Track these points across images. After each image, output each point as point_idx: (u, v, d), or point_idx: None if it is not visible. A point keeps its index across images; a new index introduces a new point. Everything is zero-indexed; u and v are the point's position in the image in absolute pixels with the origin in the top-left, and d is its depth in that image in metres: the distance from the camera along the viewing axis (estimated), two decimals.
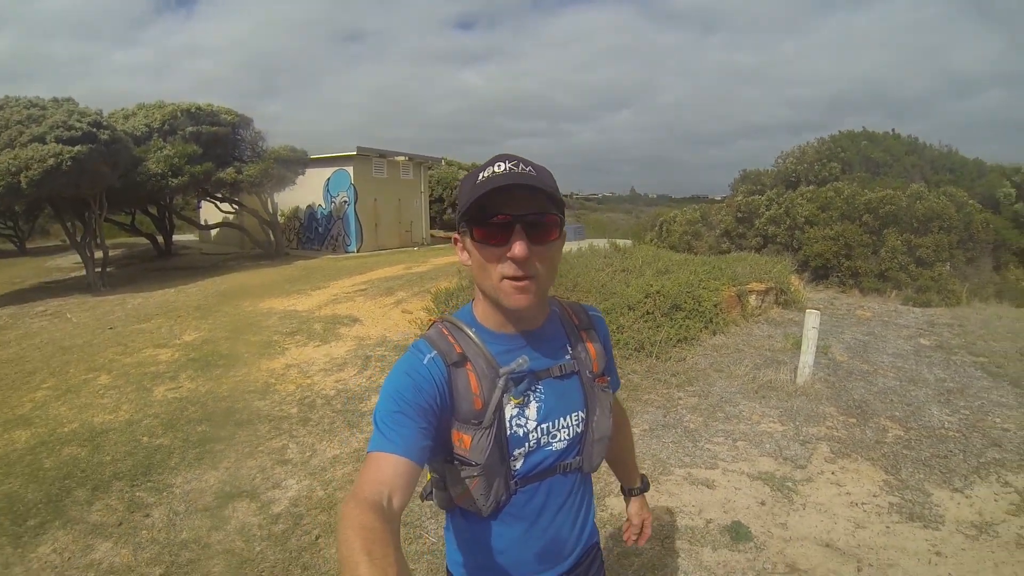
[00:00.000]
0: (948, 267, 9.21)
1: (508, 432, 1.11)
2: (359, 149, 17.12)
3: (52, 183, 10.01)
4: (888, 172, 12.25)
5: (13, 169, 9.72)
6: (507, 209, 1.01)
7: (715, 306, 6.27)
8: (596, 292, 6.44)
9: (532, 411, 1.14)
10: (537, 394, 1.15)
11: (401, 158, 19.02)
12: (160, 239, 17.45)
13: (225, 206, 16.47)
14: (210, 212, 18.57)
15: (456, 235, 1.14)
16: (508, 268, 1.03)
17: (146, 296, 10.77)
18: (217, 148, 14.03)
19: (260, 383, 5.43)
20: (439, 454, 1.13)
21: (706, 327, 6.05)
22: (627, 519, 1.55)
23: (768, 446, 3.93)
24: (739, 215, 11.25)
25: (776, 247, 10.31)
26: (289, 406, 4.87)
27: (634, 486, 1.55)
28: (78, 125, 10.38)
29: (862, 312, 7.65)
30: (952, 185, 10.98)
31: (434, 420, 1.04)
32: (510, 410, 1.12)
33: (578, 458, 1.21)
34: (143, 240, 17.89)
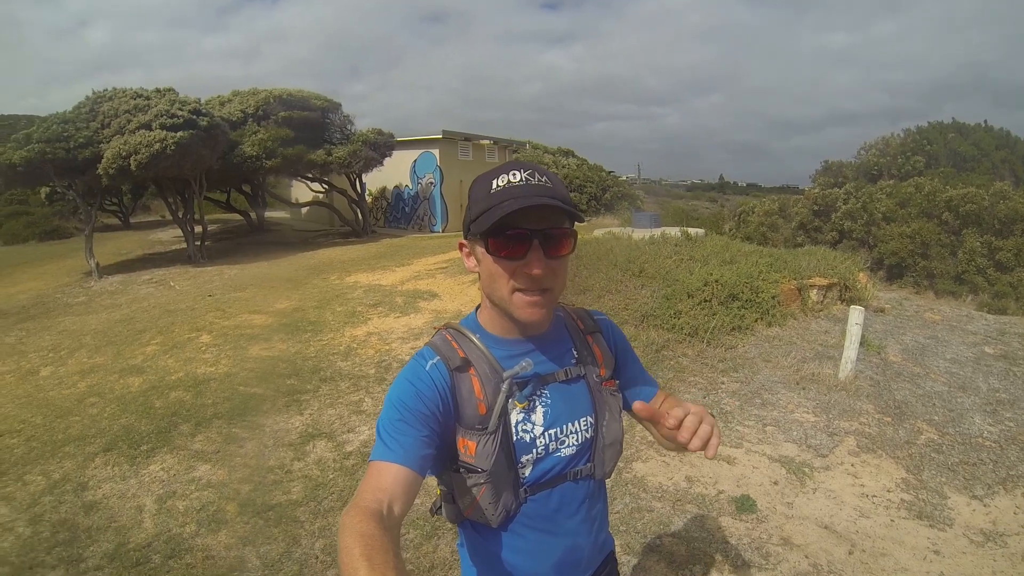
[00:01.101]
0: None
1: (514, 438, 1.13)
2: (445, 132, 18.01)
3: (158, 165, 11.45)
4: (976, 168, 11.76)
5: (124, 153, 11.17)
6: (524, 223, 1.03)
7: (773, 298, 6.43)
8: (661, 278, 6.79)
9: (538, 416, 1.16)
10: (543, 399, 1.17)
11: (486, 141, 19.81)
12: (253, 215, 18.90)
13: (315, 185, 17.71)
14: (301, 191, 19.94)
15: (463, 241, 1.18)
16: (522, 281, 1.06)
17: (241, 268, 12.01)
18: (307, 131, 15.27)
19: (343, 347, 6.17)
20: (446, 464, 1.14)
21: (762, 318, 6.24)
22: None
23: (795, 433, 4.21)
24: (816, 208, 11.10)
25: (852, 243, 10.12)
26: (368, 367, 5.58)
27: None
28: (180, 113, 11.77)
29: (931, 315, 7.58)
30: None
31: (437, 427, 1.07)
32: (515, 415, 1.14)
33: (589, 464, 1.21)
34: (237, 216, 19.46)
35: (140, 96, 12.21)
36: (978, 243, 8.90)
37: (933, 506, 3.41)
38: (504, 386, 1.11)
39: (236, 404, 4.88)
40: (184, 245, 13.85)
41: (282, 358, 5.97)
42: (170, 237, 16.77)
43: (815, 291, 6.90)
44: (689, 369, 5.24)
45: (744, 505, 3.39)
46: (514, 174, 1.06)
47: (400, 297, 7.93)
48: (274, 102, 15.07)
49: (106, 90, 12.47)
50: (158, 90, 12.63)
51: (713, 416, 1.04)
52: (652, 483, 3.62)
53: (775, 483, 3.62)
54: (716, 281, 6.35)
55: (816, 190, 11.90)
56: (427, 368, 1.11)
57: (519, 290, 1.07)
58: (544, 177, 1.07)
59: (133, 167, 11.21)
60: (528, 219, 1.03)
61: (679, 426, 1.00)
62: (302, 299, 8.40)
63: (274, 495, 3.56)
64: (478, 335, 1.16)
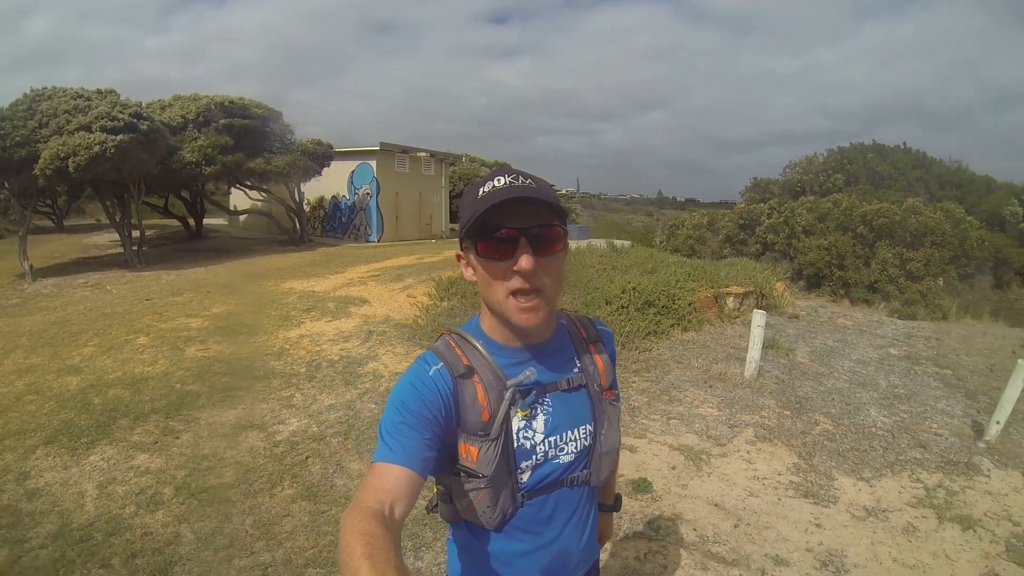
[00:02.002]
0: (940, 282, 9.56)
1: (515, 444, 1.17)
2: (382, 144, 18.54)
3: (96, 168, 11.50)
4: (892, 186, 12.75)
5: (62, 154, 11.20)
6: (511, 223, 1.07)
7: (689, 305, 7.03)
8: (582, 287, 7.33)
9: (540, 424, 1.20)
10: (545, 407, 1.21)
11: (423, 154, 20.34)
12: (192, 222, 18.86)
13: (254, 193, 17.87)
14: (240, 199, 20.04)
15: (459, 252, 1.21)
16: (515, 282, 1.09)
17: (178, 273, 12.15)
18: (248, 139, 15.51)
19: (276, 348, 6.53)
20: (446, 466, 1.18)
21: (678, 323, 6.81)
22: None
23: (697, 425, 4.70)
24: (741, 222, 11.89)
25: (775, 255, 10.90)
26: (299, 366, 5.95)
27: (608, 503, 1.63)
28: (120, 116, 11.88)
29: (843, 321, 8.27)
30: (957, 201, 11.26)
31: (439, 431, 1.10)
32: (517, 422, 1.17)
33: (585, 471, 1.26)
34: (175, 222, 19.37)
35: (80, 96, 12.23)
36: (890, 254, 9.65)
37: (819, 486, 3.85)
38: (508, 394, 1.15)
39: (173, 400, 5.16)
40: (121, 250, 13.79)
41: (217, 358, 6.26)
42: (106, 241, 16.62)
43: (732, 299, 7.50)
44: None
45: (640, 486, 3.82)
46: (499, 180, 1.10)
47: (332, 302, 8.31)
48: (215, 109, 15.21)
49: (45, 88, 12.42)
50: (99, 91, 12.67)
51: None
52: None
53: (673, 468, 4.08)
54: (634, 289, 6.90)
55: (742, 205, 12.68)
56: (431, 373, 1.14)
57: (513, 294, 1.10)
58: (528, 179, 1.11)
59: (71, 169, 11.23)
60: (515, 219, 1.07)
61: None
62: (238, 304, 8.71)
63: (208, 479, 3.90)
64: (481, 342, 1.20)
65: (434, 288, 7.78)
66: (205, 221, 19.76)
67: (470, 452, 1.14)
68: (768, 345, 6.46)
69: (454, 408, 1.13)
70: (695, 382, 5.56)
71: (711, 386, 5.48)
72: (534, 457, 1.19)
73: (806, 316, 8.18)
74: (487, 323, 1.22)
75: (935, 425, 4.84)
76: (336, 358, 6.13)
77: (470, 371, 1.16)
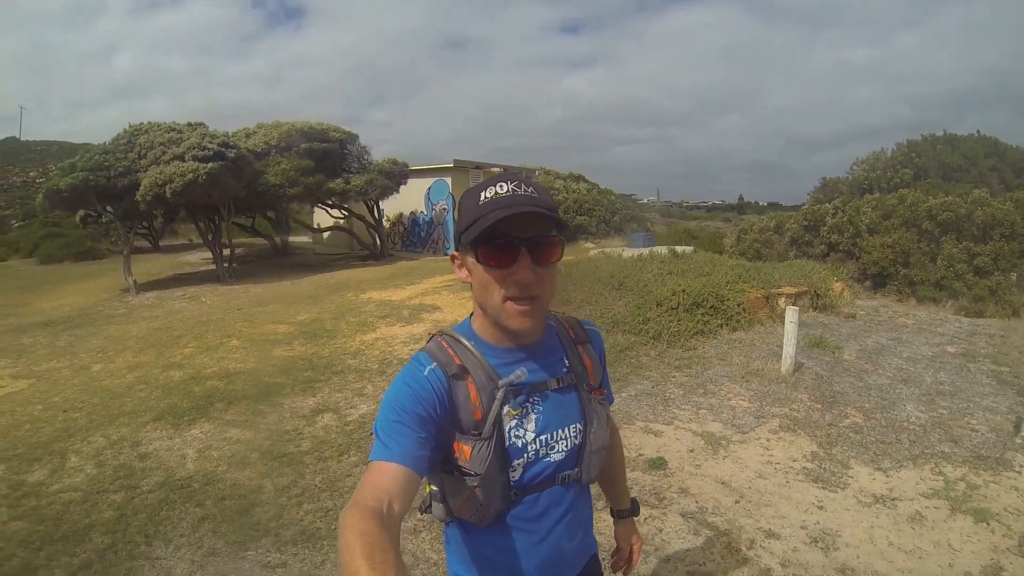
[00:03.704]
0: (1013, 277, 9.31)
1: (507, 443, 1.24)
2: (456, 161, 19.80)
3: (190, 193, 13.29)
4: (964, 177, 12.37)
5: (159, 182, 13.07)
6: (512, 231, 1.14)
7: (738, 305, 7.44)
8: (638, 290, 7.90)
9: (531, 423, 1.26)
10: (536, 406, 1.28)
11: (496, 169, 21.32)
12: (278, 240, 20.45)
13: (335, 212, 19.26)
14: (322, 217, 21.62)
15: (454, 253, 1.29)
16: (512, 289, 1.16)
17: (266, 287, 13.61)
18: (327, 161, 17.19)
19: (353, 349, 7.48)
20: (439, 465, 1.24)
21: (726, 324, 7.24)
22: (616, 544, 1.74)
23: (725, 415, 5.12)
24: (806, 223, 11.93)
25: (839, 255, 10.91)
26: (372, 364, 6.86)
27: (623, 507, 1.71)
28: (210, 146, 13.71)
29: (903, 320, 8.24)
30: None
31: (433, 430, 1.16)
32: (509, 421, 1.24)
33: (577, 469, 1.34)
34: (262, 240, 21.10)
35: (173, 130, 14.24)
36: (956, 249, 9.42)
37: (832, 473, 4.09)
38: (499, 394, 1.21)
39: (261, 390, 6.19)
40: (213, 266, 15.50)
41: (300, 357, 7.28)
42: (198, 259, 18.40)
43: (783, 299, 7.77)
44: (647, 366, 6.28)
45: (656, 464, 4.32)
46: (501, 186, 1.17)
47: (407, 310, 9.24)
48: (296, 134, 17.03)
49: (142, 123, 14.59)
50: (190, 124, 14.71)
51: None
52: None
53: (691, 451, 4.54)
54: (683, 291, 7.39)
55: (807, 206, 12.72)
56: (425, 373, 1.20)
57: (510, 299, 1.17)
58: (531, 188, 1.18)
59: (168, 194, 13.06)
60: (516, 228, 1.14)
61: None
62: (320, 312, 9.77)
63: (288, 448, 4.85)
64: (473, 342, 1.27)
65: None
66: (290, 239, 21.38)
67: (463, 451, 1.21)
68: (814, 343, 6.76)
69: (448, 407, 1.19)
70: (732, 377, 5.97)
71: (747, 381, 5.87)
72: (525, 455, 1.26)
73: (865, 316, 8.28)
74: (479, 324, 1.30)
75: (974, 421, 4.92)
76: (405, 357, 6.99)
77: (463, 371, 1.22)
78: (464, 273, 1.27)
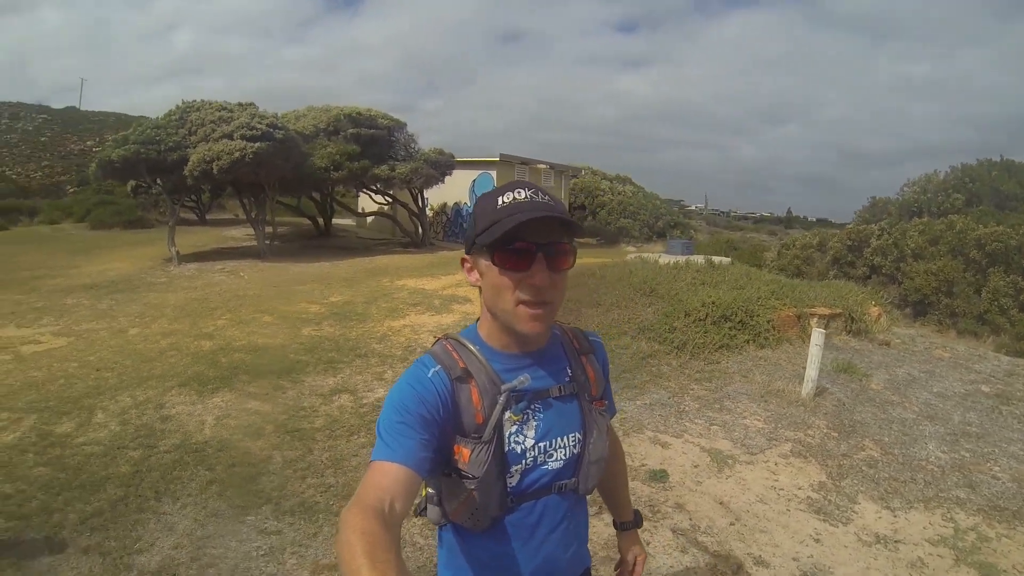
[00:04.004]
0: None
1: (506, 448, 1.25)
2: (502, 156, 19.97)
3: (236, 171, 13.79)
4: (1019, 207, 11.93)
5: (207, 158, 13.56)
6: (529, 237, 1.17)
7: (768, 322, 7.37)
8: (669, 299, 7.91)
9: (531, 429, 1.28)
10: (536, 413, 1.29)
11: (542, 166, 21.47)
12: (321, 221, 20.88)
13: (379, 198, 19.59)
14: (367, 202, 22.04)
15: (465, 256, 1.30)
16: (526, 293, 1.18)
17: (305, 266, 13.95)
18: (374, 147, 17.54)
19: (380, 334, 7.68)
20: (438, 468, 1.24)
21: (754, 340, 7.18)
22: (620, 557, 1.73)
23: (737, 433, 5.11)
24: (850, 243, 11.68)
25: (882, 278, 10.67)
26: (396, 350, 7.05)
27: (627, 520, 1.72)
28: (258, 126, 14.12)
29: (940, 352, 7.99)
30: None
31: (436, 431, 1.17)
32: (509, 427, 1.26)
33: (574, 479, 1.35)
34: (306, 221, 21.54)
35: (224, 109, 14.79)
36: (1003, 282, 9.04)
37: (836, 506, 4.01)
38: (501, 399, 1.23)
39: (285, 366, 6.42)
40: (255, 242, 15.81)
41: (328, 337, 7.52)
42: (242, 234, 18.91)
43: (815, 320, 7.63)
44: (667, 376, 6.30)
45: (656, 476, 4.35)
46: (519, 192, 1.21)
47: (438, 299, 9.41)
48: (344, 119, 17.46)
49: (194, 101, 15.17)
50: (240, 104, 15.22)
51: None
52: None
53: (695, 466, 4.56)
54: (712, 302, 7.37)
55: (852, 225, 12.45)
56: (429, 375, 1.22)
57: (523, 303, 1.19)
58: (547, 196, 1.22)
59: (215, 171, 13.57)
60: (533, 234, 1.16)
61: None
62: (354, 295, 10.03)
63: (302, 423, 5.06)
64: (478, 347, 1.28)
65: None
66: (334, 221, 21.83)
67: (463, 454, 1.22)
68: (842, 368, 6.67)
69: (451, 409, 1.21)
70: (751, 395, 5.96)
71: (766, 401, 5.84)
72: (524, 462, 1.27)
73: (900, 344, 8.09)
74: (485, 329, 1.31)
75: (997, 468, 4.76)
76: (428, 345, 7.08)
77: (466, 374, 1.24)
78: (474, 276, 1.28)
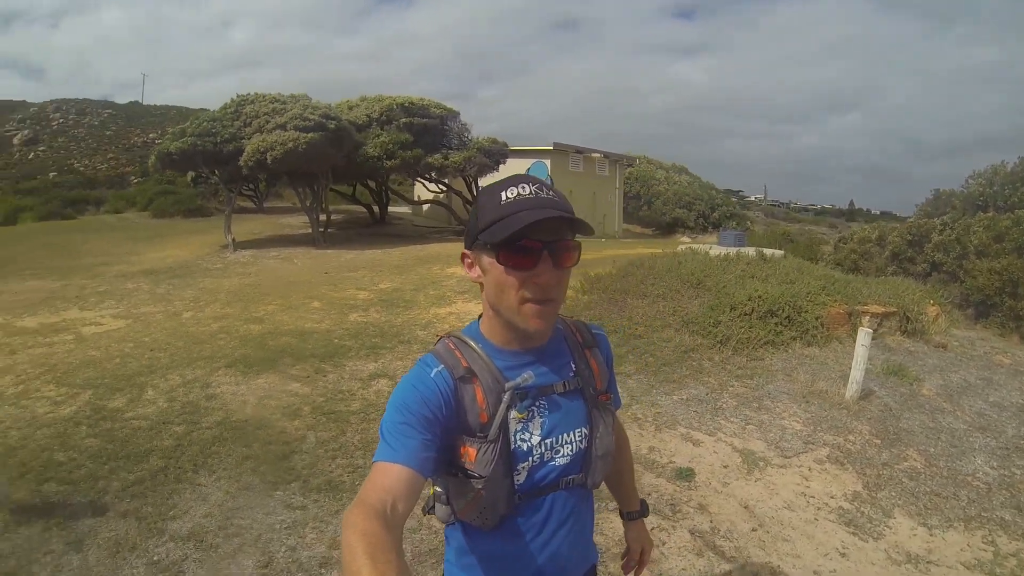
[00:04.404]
0: None
1: (512, 446, 1.26)
2: (555, 145, 20.08)
3: (289, 161, 14.34)
4: None
5: (261, 149, 14.20)
6: (534, 235, 1.16)
7: (817, 319, 7.17)
8: (716, 291, 7.81)
9: (536, 426, 1.29)
10: (541, 410, 1.30)
11: (597, 155, 21.51)
12: (376, 209, 21.35)
13: (434, 186, 19.88)
14: (422, 190, 22.41)
15: (465, 251, 1.30)
16: (531, 291, 1.19)
17: (357, 253, 14.36)
18: (426, 136, 17.99)
19: (424, 321, 7.88)
20: (443, 467, 1.26)
21: (801, 337, 6.99)
22: (627, 547, 1.76)
23: (772, 435, 5.01)
24: (910, 238, 11.26)
25: (942, 276, 10.29)
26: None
27: (633, 510, 1.74)
28: (311, 117, 14.69)
29: (1001, 357, 7.56)
30: None
31: (439, 431, 1.18)
32: (515, 424, 1.26)
33: (581, 474, 1.36)
34: (362, 209, 22.00)
35: (278, 101, 15.44)
36: None
37: (869, 519, 3.87)
38: (506, 397, 1.23)
39: (329, 350, 6.68)
40: (310, 230, 16.29)
41: (373, 324, 7.78)
42: (298, 222, 19.54)
43: (868, 318, 7.32)
44: (707, 371, 6.20)
45: (683, 474, 4.31)
46: (523, 187, 1.21)
47: None
48: (397, 108, 17.93)
49: (249, 94, 15.88)
50: (293, 95, 15.83)
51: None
52: None
53: (725, 466, 4.49)
54: (760, 296, 7.23)
55: (912, 219, 11.99)
56: (432, 375, 1.23)
57: (528, 301, 1.20)
58: (551, 192, 1.23)
59: (269, 161, 14.19)
60: (539, 231, 1.16)
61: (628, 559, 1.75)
62: (403, 282, 10.29)
63: (338, 406, 5.28)
64: (480, 345, 1.29)
65: (580, 281, 8.49)
66: (390, 209, 22.31)
67: (468, 453, 1.22)
68: (892, 371, 6.44)
69: (455, 409, 1.22)
70: (792, 395, 5.81)
71: (807, 401, 5.69)
72: (530, 459, 1.28)
73: (958, 347, 7.70)
74: (487, 326, 1.32)
75: None
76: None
77: (470, 373, 1.25)
78: (476, 273, 1.27)
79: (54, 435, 4.60)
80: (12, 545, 3.31)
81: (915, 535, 3.75)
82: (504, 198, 1.20)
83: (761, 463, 4.54)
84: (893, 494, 4.22)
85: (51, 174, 29.74)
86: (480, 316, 1.35)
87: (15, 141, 33.58)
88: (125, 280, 11.06)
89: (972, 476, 4.57)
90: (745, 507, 3.93)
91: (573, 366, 1.37)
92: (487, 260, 1.22)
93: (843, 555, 3.47)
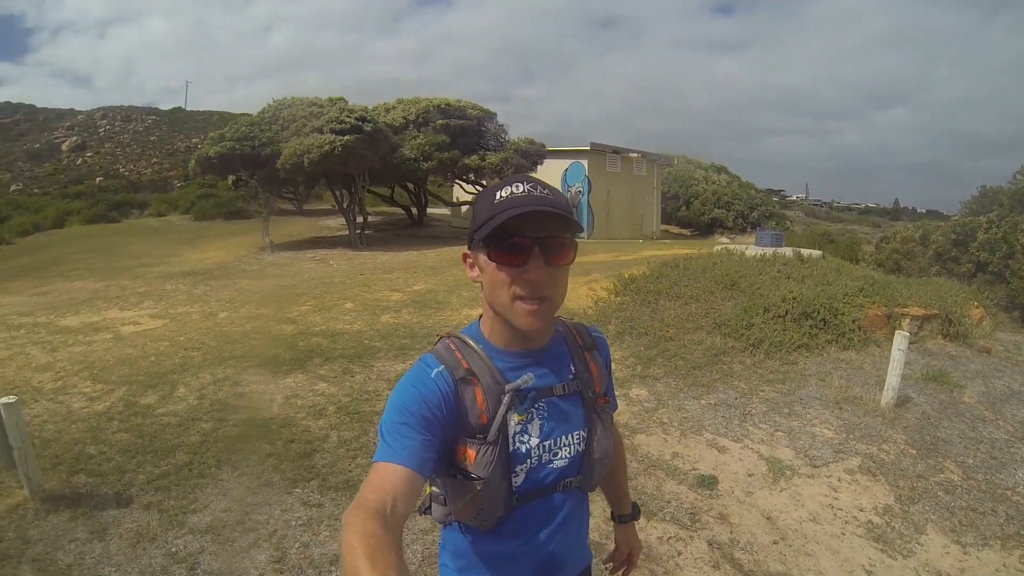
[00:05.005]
0: None
1: (511, 448, 1.27)
2: (592, 145, 20.20)
3: (326, 163, 14.70)
4: None
5: (298, 152, 14.57)
6: (525, 231, 1.18)
7: (854, 322, 7.00)
8: (750, 292, 7.71)
9: (535, 428, 1.30)
10: (540, 412, 1.31)
11: (634, 155, 21.50)
12: (414, 211, 21.61)
13: (472, 188, 20.08)
14: (461, 192, 22.56)
15: (466, 251, 1.32)
16: (523, 288, 1.20)
17: (393, 255, 14.61)
18: (463, 138, 18.18)
19: (456, 322, 7.93)
20: (442, 468, 1.27)
21: (836, 340, 6.83)
22: (615, 547, 1.78)
23: (801, 442, 4.90)
24: (954, 237, 10.92)
25: (988, 276, 9.92)
26: None
27: (625, 512, 1.75)
28: (347, 120, 14.99)
29: None
30: None
31: (439, 432, 1.19)
32: (514, 426, 1.27)
33: (579, 477, 1.37)
34: (400, 211, 22.30)
35: (315, 104, 15.84)
36: None
37: (900, 535, 3.75)
38: (505, 398, 1.24)
39: (358, 351, 6.82)
40: (347, 232, 16.60)
41: (404, 325, 7.91)
42: (336, 224, 19.95)
43: (907, 320, 7.13)
44: (737, 375, 6.10)
45: (705, 482, 4.26)
46: (517, 186, 1.21)
47: None
48: (433, 111, 18.19)
49: (286, 98, 16.41)
50: (330, 99, 16.20)
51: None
52: (642, 451, 4.69)
53: (750, 475, 4.42)
54: (794, 298, 7.10)
55: (957, 217, 11.66)
56: (432, 375, 1.23)
57: (520, 298, 1.20)
58: (546, 190, 1.23)
59: (306, 164, 14.58)
60: (529, 228, 1.17)
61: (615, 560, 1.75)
62: (437, 283, 10.42)
63: (363, 406, 5.39)
64: (481, 345, 1.30)
65: (615, 282, 8.46)
66: (429, 211, 22.54)
67: (468, 454, 1.23)
68: (932, 376, 6.24)
69: (454, 410, 1.22)
70: (825, 401, 5.67)
71: (840, 408, 5.55)
72: (528, 461, 1.29)
73: (1003, 352, 7.40)
74: (488, 326, 1.33)
75: None
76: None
77: (470, 374, 1.25)
78: (475, 272, 1.29)
79: (87, 429, 4.83)
80: (40, 532, 3.50)
81: (948, 553, 3.61)
82: (498, 197, 1.21)
83: (788, 472, 4.45)
84: (927, 508, 4.08)
85: (97, 179, 31.25)
86: (480, 316, 1.37)
87: (64, 147, 35.39)
88: (164, 281, 11.49)
89: (1012, 490, 4.41)
90: (768, 518, 3.86)
91: (573, 368, 1.38)
92: (482, 259, 1.24)
93: (869, 573, 3.36)
